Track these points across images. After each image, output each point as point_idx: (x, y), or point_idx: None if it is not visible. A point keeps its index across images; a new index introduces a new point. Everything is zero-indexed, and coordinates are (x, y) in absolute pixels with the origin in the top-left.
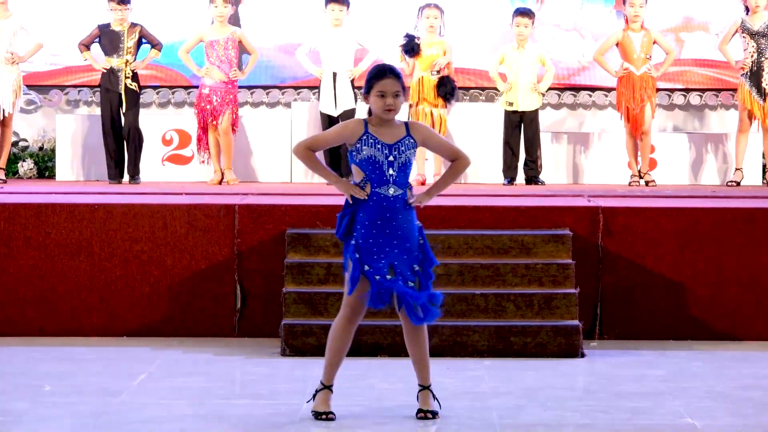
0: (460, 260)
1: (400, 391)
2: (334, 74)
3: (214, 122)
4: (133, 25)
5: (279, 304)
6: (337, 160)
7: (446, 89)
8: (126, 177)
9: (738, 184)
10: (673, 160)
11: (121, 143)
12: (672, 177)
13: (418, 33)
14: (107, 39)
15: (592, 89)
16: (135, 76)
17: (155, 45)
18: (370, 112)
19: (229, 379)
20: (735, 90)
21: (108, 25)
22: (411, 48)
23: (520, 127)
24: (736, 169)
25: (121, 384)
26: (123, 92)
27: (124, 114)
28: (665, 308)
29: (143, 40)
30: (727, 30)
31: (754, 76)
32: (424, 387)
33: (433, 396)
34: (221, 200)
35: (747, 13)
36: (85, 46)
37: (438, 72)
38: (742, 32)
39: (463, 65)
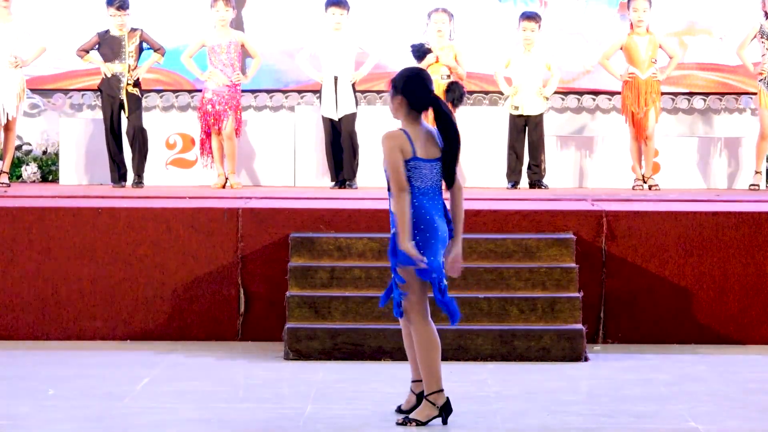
0: (464, 264)
1: (404, 396)
2: (336, 78)
3: (217, 126)
4: (133, 29)
5: (282, 307)
6: (339, 165)
7: (455, 94)
8: (129, 180)
9: (759, 187)
10: (677, 164)
11: (122, 146)
12: (676, 181)
13: (427, 38)
14: (107, 45)
15: (596, 93)
16: (137, 82)
17: (158, 49)
18: None
19: (233, 383)
20: (739, 94)
21: (107, 32)
22: (421, 54)
23: (525, 131)
24: (756, 173)
25: (125, 388)
26: (125, 97)
27: (127, 118)
28: (669, 312)
29: (145, 45)
30: (746, 35)
31: None
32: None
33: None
34: (225, 204)
35: (766, 18)
36: (85, 51)
37: (448, 76)
38: (761, 37)
39: (469, 69)
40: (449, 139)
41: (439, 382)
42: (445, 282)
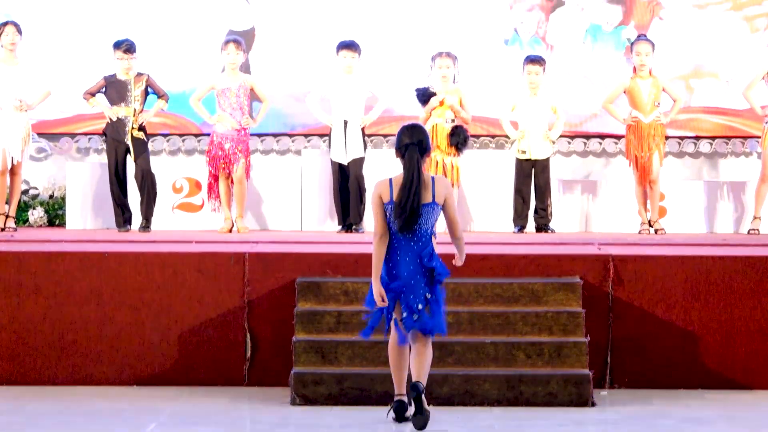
0: (471, 308)
1: None
2: (345, 122)
3: (226, 170)
4: (140, 74)
5: (289, 352)
6: (346, 209)
7: (458, 138)
8: (135, 225)
9: (759, 232)
10: (683, 208)
11: (126, 191)
12: (683, 225)
13: (432, 81)
14: (114, 89)
15: (602, 137)
16: (142, 126)
17: (162, 96)
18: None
19: (240, 428)
20: (745, 138)
21: (114, 76)
22: (425, 98)
23: (532, 175)
24: (755, 218)
25: None
26: (130, 142)
27: (135, 161)
28: (676, 357)
29: (150, 90)
30: (754, 76)
31: None
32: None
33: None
34: (231, 248)
35: None
36: (91, 94)
37: (452, 120)
38: None
39: (475, 113)
40: (403, 185)
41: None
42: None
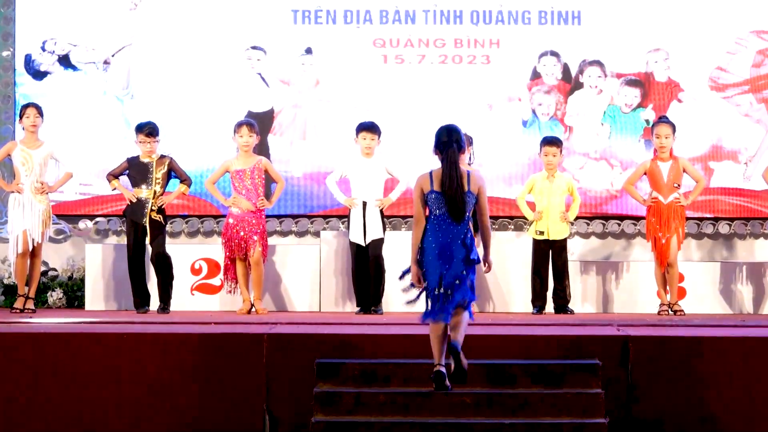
0: (489, 390)
1: None
2: (364, 203)
3: (242, 252)
4: (162, 156)
5: None
6: (365, 290)
7: (473, 219)
8: (154, 306)
9: None
10: (702, 289)
11: (145, 272)
12: (702, 306)
13: None
14: (136, 171)
15: (621, 218)
16: (161, 209)
17: (184, 180)
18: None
19: None
20: (764, 219)
21: (137, 158)
22: None
23: (549, 256)
24: None
25: None
26: (147, 224)
27: (150, 243)
28: None
29: (173, 173)
30: None
31: None
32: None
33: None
34: (250, 330)
35: None
36: (114, 176)
37: None
38: None
39: (491, 194)
40: (444, 179)
41: None
42: (437, 291)
